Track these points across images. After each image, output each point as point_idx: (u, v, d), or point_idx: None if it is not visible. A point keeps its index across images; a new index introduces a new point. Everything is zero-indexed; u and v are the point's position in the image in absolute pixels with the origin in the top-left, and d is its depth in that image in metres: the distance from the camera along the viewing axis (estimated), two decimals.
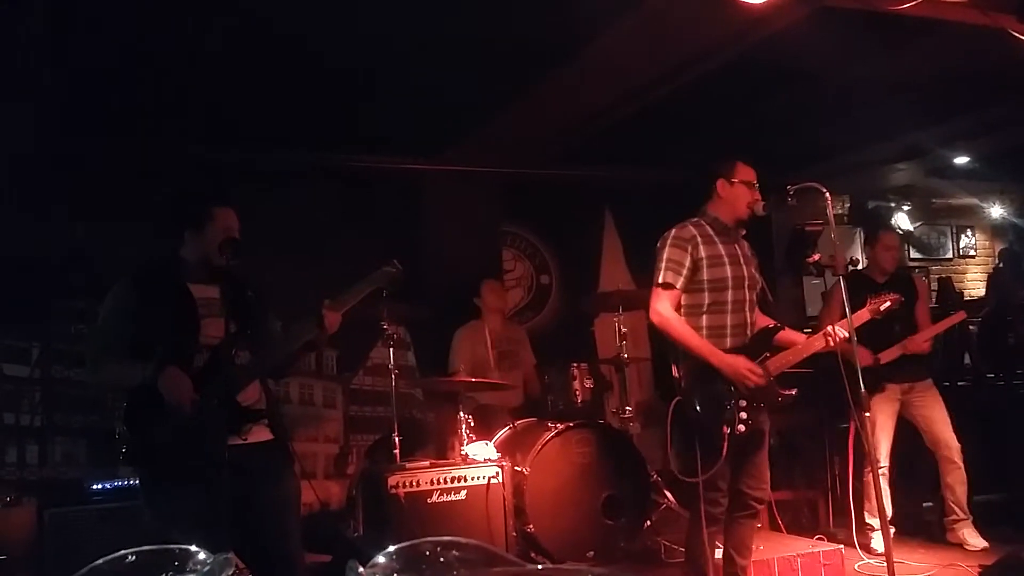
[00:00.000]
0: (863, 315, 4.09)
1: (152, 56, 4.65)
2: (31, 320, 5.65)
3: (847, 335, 3.75)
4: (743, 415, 3.60)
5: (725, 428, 3.56)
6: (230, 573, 0.76)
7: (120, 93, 5.11)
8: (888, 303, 4.17)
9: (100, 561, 0.81)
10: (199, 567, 0.81)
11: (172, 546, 0.83)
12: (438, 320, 6.03)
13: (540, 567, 0.78)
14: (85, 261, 5.59)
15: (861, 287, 5.01)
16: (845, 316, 3.73)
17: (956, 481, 5.10)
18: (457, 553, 0.79)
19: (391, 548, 0.79)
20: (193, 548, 0.83)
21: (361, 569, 0.70)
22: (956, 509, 5.12)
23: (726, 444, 3.55)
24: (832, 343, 3.77)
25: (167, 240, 3.21)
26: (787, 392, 3.72)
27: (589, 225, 7.54)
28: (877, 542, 4.99)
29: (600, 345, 7.08)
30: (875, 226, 5.65)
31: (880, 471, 4.91)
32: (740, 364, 3.61)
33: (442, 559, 0.79)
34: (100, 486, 4.63)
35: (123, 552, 0.81)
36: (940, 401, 5.17)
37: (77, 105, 5.16)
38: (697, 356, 3.65)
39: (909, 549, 5.03)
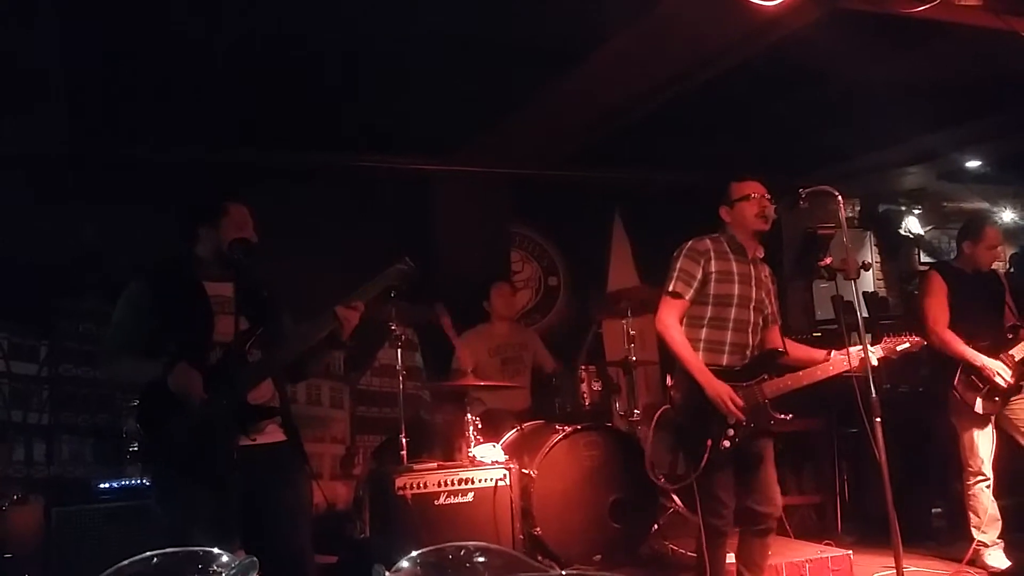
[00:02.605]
0: (875, 353, 3.81)
1: (161, 57, 4.64)
2: (40, 318, 5.66)
3: (876, 356, 3.74)
4: (730, 431, 3.64)
5: (708, 441, 3.61)
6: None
7: (130, 93, 5.10)
8: (907, 345, 3.92)
9: (124, 562, 0.80)
10: (223, 570, 0.80)
11: (195, 548, 0.83)
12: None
13: (564, 572, 0.77)
14: (94, 260, 5.60)
15: (955, 281, 4.92)
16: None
17: None
18: (481, 558, 0.78)
19: (415, 553, 0.77)
20: (216, 551, 0.82)
21: (387, 573, 0.68)
22: None
23: (706, 456, 3.59)
24: (858, 365, 3.66)
25: (180, 238, 3.22)
26: (780, 416, 3.71)
27: (598, 227, 7.52)
28: (992, 558, 4.76)
29: (608, 347, 7.06)
30: (979, 220, 5.29)
31: (988, 483, 4.79)
32: (723, 391, 3.63)
33: (467, 564, 0.78)
34: (107, 485, 4.61)
35: (147, 554, 0.81)
36: None
37: (88, 105, 5.16)
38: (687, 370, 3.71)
39: (918, 555, 4.99)
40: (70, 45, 4.41)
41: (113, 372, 3.23)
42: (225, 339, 3.05)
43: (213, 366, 2.99)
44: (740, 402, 3.62)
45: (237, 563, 0.76)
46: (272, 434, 3.11)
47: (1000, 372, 4.66)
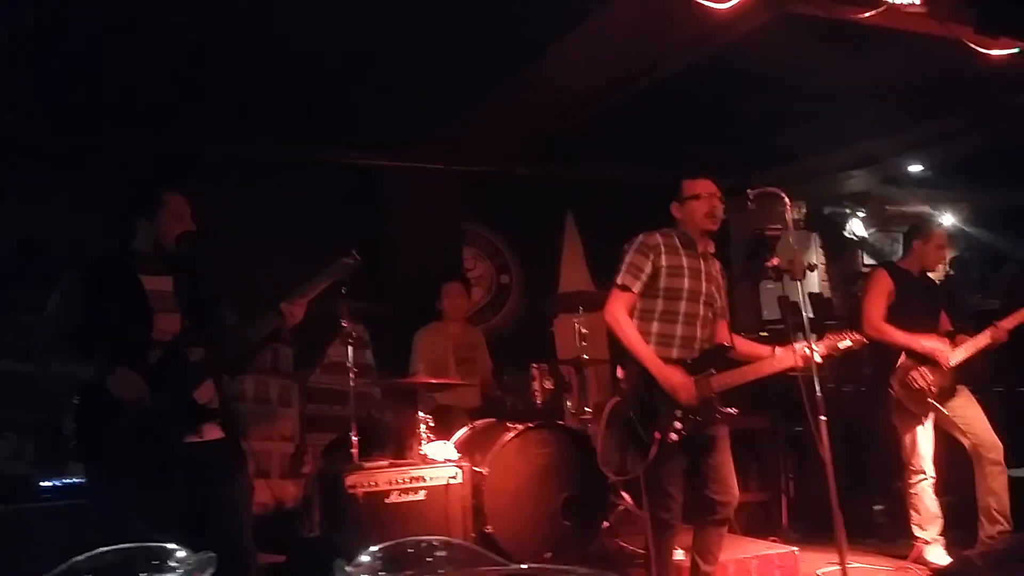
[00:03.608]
0: (818, 349, 3.83)
1: (108, 46, 4.56)
2: None
3: (819, 352, 3.79)
4: (677, 424, 3.69)
5: (656, 434, 3.65)
6: (212, 572, 0.75)
7: (73, 82, 4.99)
8: (848, 342, 3.96)
9: (80, 557, 0.79)
10: (179, 565, 0.80)
11: (152, 544, 0.82)
12: (398, 318, 5.99)
13: (525, 566, 0.78)
14: (38, 251, 5.46)
15: (902, 280, 5.00)
16: None
17: (1000, 487, 4.76)
18: (442, 552, 0.79)
19: (374, 547, 0.78)
20: (171, 546, 0.82)
21: (348, 568, 0.69)
22: (1001, 519, 4.75)
23: (654, 449, 3.64)
24: (801, 362, 3.74)
25: (120, 231, 3.16)
26: (726, 411, 3.78)
27: (550, 226, 7.55)
28: (933, 555, 4.81)
29: (559, 346, 7.09)
30: (925, 222, 5.50)
31: (929, 481, 4.85)
32: (675, 377, 3.69)
33: (428, 558, 0.78)
34: (49, 483, 4.52)
35: (102, 549, 0.80)
36: (975, 402, 4.93)
37: (29, 94, 5.06)
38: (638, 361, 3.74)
39: (861, 552, 5.09)
40: (20, 35, 4.32)
41: (45, 369, 3.09)
42: (164, 337, 3.00)
43: (153, 366, 2.95)
44: (692, 388, 3.68)
45: (194, 559, 0.76)
46: (211, 431, 3.08)
47: (941, 348, 4.80)
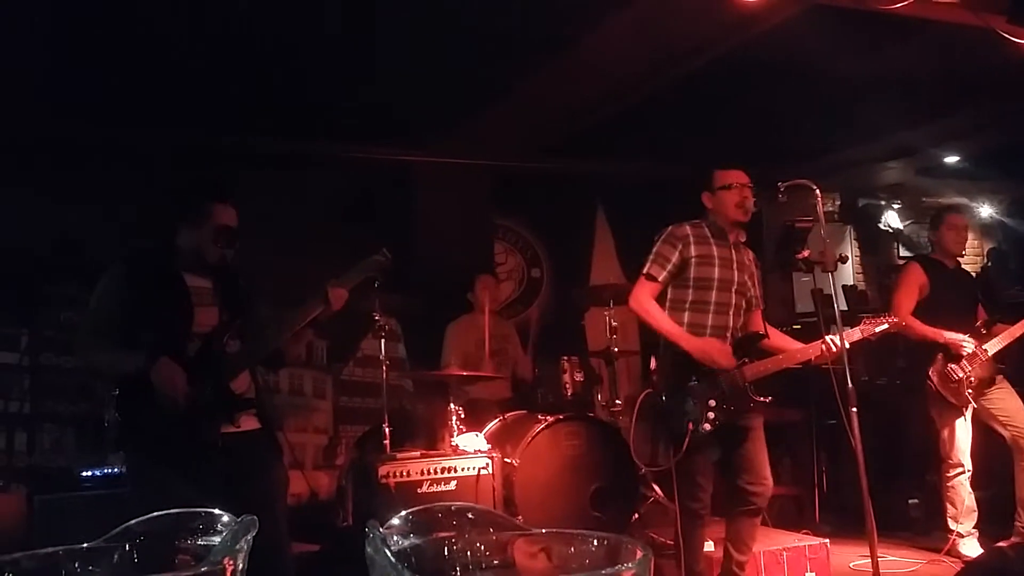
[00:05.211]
0: (853, 335, 3.87)
1: (142, 42, 4.63)
2: (20, 306, 5.63)
3: (855, 337, 3.80)
4: (710, 414, 3.69)
5: (690, 424, 3.66)
6: (254, 534, 0.79)
7: (112, 78, 5.08)
8: (885, 325, 3.96)
9: (132, 522, 0.85)
10: (225, 529, 0.85)
11: (198, 509, 0.87)
12: (429, 312, 6.04)
13: (545, 530, 0.81)
14: (75, 246, 5.58)
15: (935, 273, 4.99)
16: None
17: None
18: (469, 515, 0.83)
19: (405, 511, 0.82)
20: (217, 511, 0.87)
21: (380, 529, 0.73)
22: None
23: (688, 440, 3.65)
24: (829, 354, 3.77)
25: (160, 228, 3.23)
26: (760, 399, 3.78)
27: (581, 219, 7.57)
28: (967, 548, 4.80)
29: (590, 338, 7.11)
30: (940, 209, 5.41)
31: (967, 474, 4.83)
32: (709, 345, 3.70)
33: (454, 522, 0.83)
34: (90, 473, 4.63)
35: (155, 514, 0.86)
36: (1016, 394, 4.88)
37: (69, 88, 5.14)
38: (671, 344, 3.76)
39: (894, 545, 5.07)
40: (50, 31, 4.40)
41: (88, 360, 3.18)
42: (204, 330, 3.07)
43: (192, 357, 3.01)
44: (728, 350, 3.70)
45: (237, 522, 0.80)
46: (247, 422, 3.14)
47: (964, 341, 4.77)
